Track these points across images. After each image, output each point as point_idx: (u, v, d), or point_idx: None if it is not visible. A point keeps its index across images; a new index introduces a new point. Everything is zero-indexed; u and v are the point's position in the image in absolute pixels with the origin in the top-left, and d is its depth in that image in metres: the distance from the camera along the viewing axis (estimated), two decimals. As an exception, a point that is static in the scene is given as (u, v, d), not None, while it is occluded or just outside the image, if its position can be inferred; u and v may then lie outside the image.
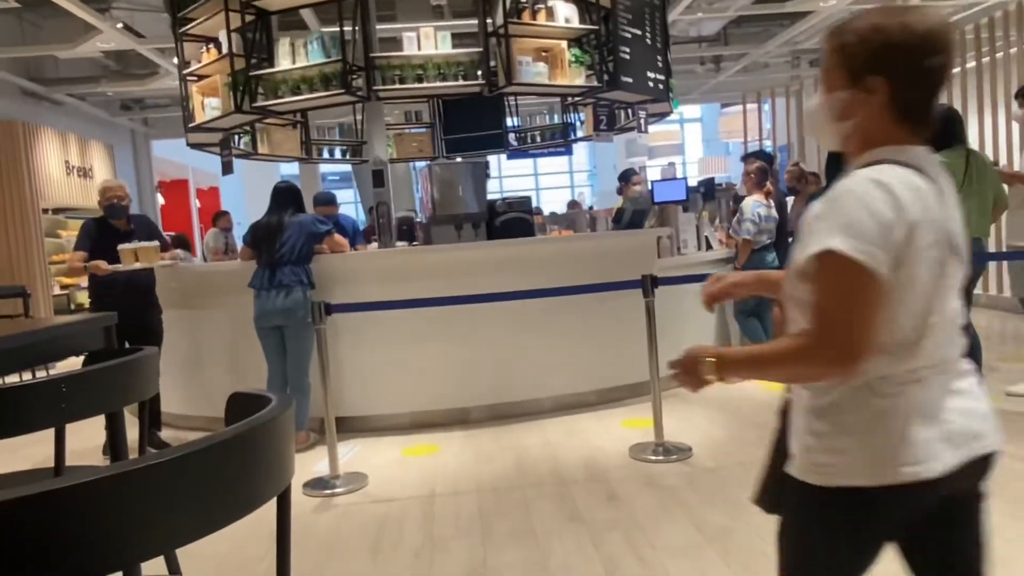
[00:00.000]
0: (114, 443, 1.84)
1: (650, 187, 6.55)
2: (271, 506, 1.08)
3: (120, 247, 4.57)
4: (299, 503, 3.77)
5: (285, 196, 4.82)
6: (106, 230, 4.74)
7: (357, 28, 5.36)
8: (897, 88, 1.33)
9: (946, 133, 4.45)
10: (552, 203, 17.76)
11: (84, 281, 5.13)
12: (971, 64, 8.39)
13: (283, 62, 5.48)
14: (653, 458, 4.06)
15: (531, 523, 3.32)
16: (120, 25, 8.71)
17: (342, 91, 5.27)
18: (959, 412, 1.32)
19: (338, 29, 5.25)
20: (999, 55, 8.09)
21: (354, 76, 5.33)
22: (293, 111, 6.30)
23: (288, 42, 5.50)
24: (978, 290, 5.26)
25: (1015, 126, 7.68)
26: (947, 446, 1.30)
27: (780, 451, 1.44)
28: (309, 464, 4.30)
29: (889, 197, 1.24)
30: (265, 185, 5.73)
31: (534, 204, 7.63)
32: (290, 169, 15.78)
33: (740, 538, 3.00)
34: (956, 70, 8.55)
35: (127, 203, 4.78)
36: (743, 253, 5.89)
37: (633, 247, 5.41)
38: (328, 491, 3.89)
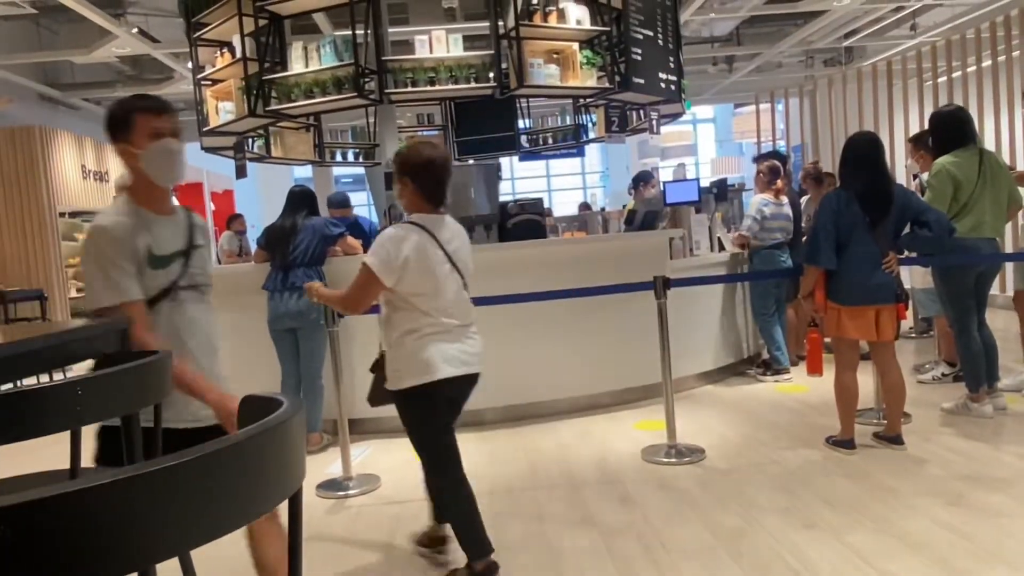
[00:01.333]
0: (129, 446, 1.85)
1: (663, 188, 6.53)
2: (285, 508, 1.09)
3: None
4: (312, 505, 3.78)
5: (300, 200, 4.85)
6: None
7: (369, 32, 5.38)
8: (416, 184, 2.68)
9: (957, 134, 4.42)
10: (564, 204, 17.75)
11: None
12: (987, 63, 8.31)
13: (296, 66, 5.51)
14: (666, 460, 4.05)
15: (544, 525, 3.32)
16: (135, 30, 8.79)
17: (354, 94, 5.30)
18: (457, 350, 2.68)
19: (350, 33, 5.28)
20: (1015, 54, 8.00)
21: (366, 79, 5.35)
22: (306, 114, 6.33)
23: (301, 46, 5.53)
24: (994, 290, 5.21)
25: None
26: (448, 365, 2.63)
27: (379, 377, 2.86)
28: (322, 466, 4.31)
29: (399, 239, 2.61)
30: (279, 188, 5.76)
31: (546, 206, 7.63)
32: (304, 172, 15.84)
33: (753, 540, 2.98)
34: (971, 69, 8.48)
35: None
36: (741, 247, 5.97)
37: (645, 249, 5.40)
38: (341, 493, 3.91)
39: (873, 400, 4.44)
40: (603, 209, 12.54)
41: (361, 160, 7.67)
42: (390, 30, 6.11)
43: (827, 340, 4.66)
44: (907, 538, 2.88)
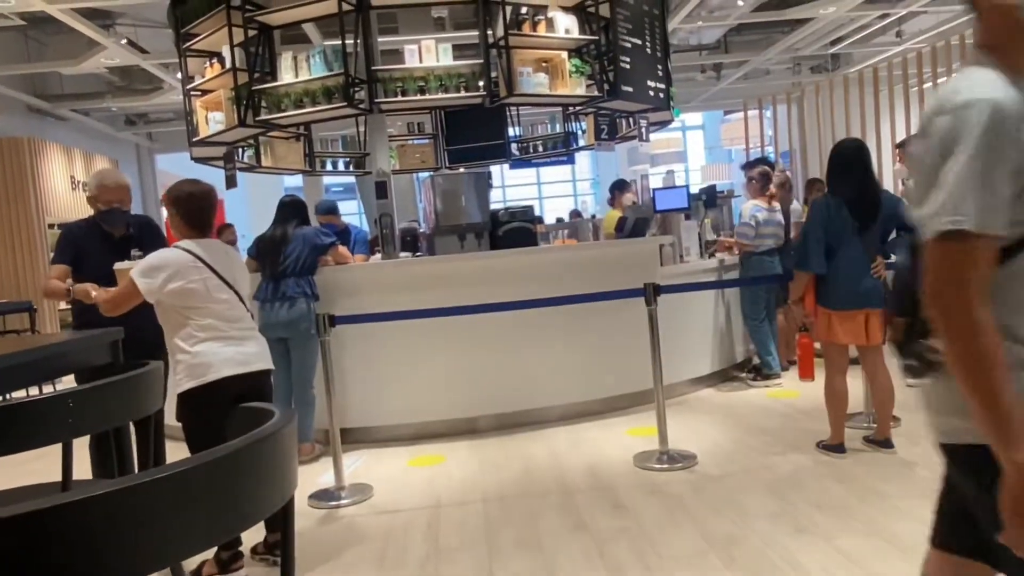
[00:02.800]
0: (120, 457, 1.85)
1: (652, 195, 6.56)
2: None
3: (117, 267, 3.37)
4: (304, 514, 3.78)
5: (290, 209, 4.85)
6: (96, 235, 3.62)
7: (359, 41, 5.39)
8: (181, 214, 3.02)
9: None
10: (555, 212, 17.77)
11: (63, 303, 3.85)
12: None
13: (286, 76, 5.51)
14: (658, 466, 4.06)
15: (537, 532, 3.32)
16: (124, 41, 8.78)
17: (344, 104, 5.31)
18: (233, 352, 2.95)
19: (340, 42, 5.29)
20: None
21: (356, 89, 5.36)
22: (296, 124, 6.34)
23: (291, 56, 5.54)
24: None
25: None
26: (224, 367, 2.91)
27: None
28: (314, 476, 4.30)
29: (161, 262, 2.91)
30: (269, 198, 5.75)
31: (537, 213, 7.65)
32: (294, 181, 15.83)
33: (745, 546, 3.00)
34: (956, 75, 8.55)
35: (129, 207, 3.71)
36: (735, 252, 5.96)
37: (635, 255, 5.42)
38: (333, 502, 3.90)
39: (863, 404, 4.47)
40: (594, 216, 12.57)
41: (352, 169, 7.68)
42: (379, 40, 6.12)
43: (817, 345, 4.69)
44: (897, 541, 2.90)
